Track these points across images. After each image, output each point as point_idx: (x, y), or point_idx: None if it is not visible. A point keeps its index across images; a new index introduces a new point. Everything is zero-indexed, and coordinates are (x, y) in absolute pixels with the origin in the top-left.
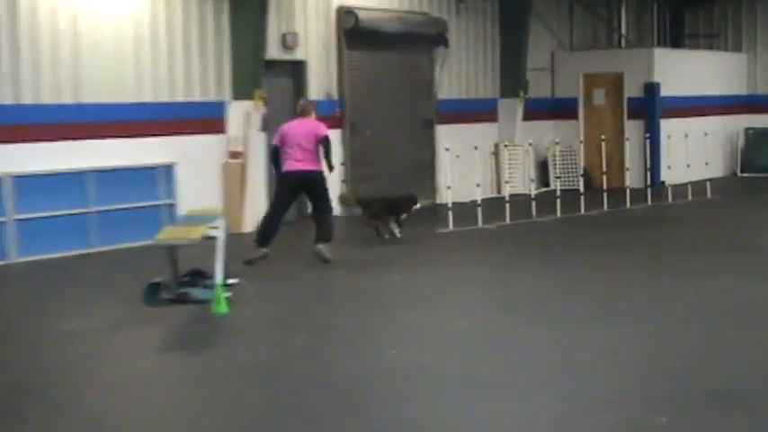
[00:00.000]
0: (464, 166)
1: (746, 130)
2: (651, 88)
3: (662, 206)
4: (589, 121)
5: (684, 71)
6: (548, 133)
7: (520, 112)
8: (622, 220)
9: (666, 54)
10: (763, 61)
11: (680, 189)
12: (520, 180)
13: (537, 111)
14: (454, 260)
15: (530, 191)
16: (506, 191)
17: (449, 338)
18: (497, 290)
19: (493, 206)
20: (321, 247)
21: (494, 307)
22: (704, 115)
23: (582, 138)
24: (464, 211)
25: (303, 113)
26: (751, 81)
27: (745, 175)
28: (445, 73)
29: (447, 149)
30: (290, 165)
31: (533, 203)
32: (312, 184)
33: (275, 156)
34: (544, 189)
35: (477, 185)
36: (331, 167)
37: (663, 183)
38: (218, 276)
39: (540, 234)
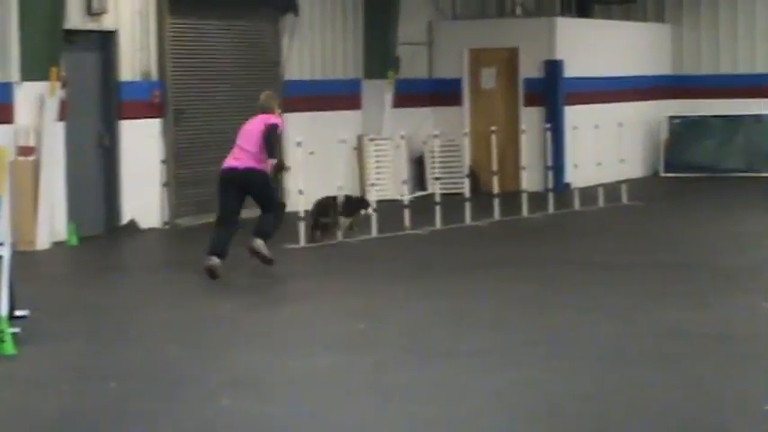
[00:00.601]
0: (320, 164)
1: (671, 119)
2: (553, 67)
3: (567, 214)
4: (476, 108)
5: (594, 46)
6: (425, 124)
7: (389, 98)
8: (517, 232)
9: (572, 25)
10: (691, 34)
11: (589, 193)
12: (390, 182)
13: (411, 95)
14: (306, 284)
15: (402, 195)
16: (373, 196)
17: (295, 383)
18: (361, 321)
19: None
20: (257, 242)
21: (356, 343)
22: (619, 101)
23: (467, 129)
24: None
25: (263, 110)
26: (676, 58)
27: (669, 174)
28: (295, 47)
29: (299, 144)
30: (225, 162)
31: (406, 211)
32: (250, 186)
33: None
34: (420, 193)
35: (338, 189)
36: (272, 158)
37: (568, 185)
38: (2, 308)
39: (416, 250)
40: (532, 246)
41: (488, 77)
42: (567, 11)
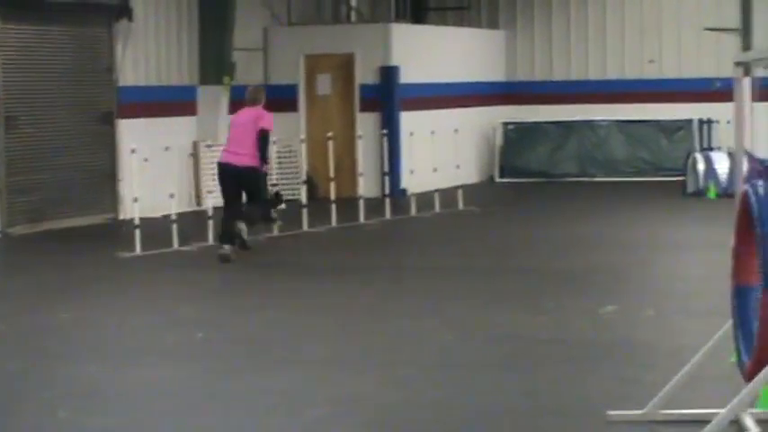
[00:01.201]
0: (155, 171)
1: (505, 125)
2: (388, 73)
3: (403, 220)
4: (312, 114)
5: (429, 52)
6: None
7: (225, 104)
8: (355, 239)
9: (407, 31)
10: (525, 40)
11: (425, 199)
12: None
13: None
14: (143, 292)
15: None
16: (209, 203)
17: (134, 394)
18: (201, 330)
19: (192, 222)
20: (240, 225)
21: (195, 352)
22: (455, 107)
23: (304, 135)
24: (155, 229)
25: (252, 102)
26: (510, 64)
27: (504, 180)
28: (129, 53)
29: (133, 151)
30: (223, 156)
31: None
32: (245, 181)
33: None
34: None
35: (172, 196)
36: (265, 162)
37: (404, 191)
38: None
39: (254, 256)
40: (370, 252)
41: (324, 83)
42: (401, 17)
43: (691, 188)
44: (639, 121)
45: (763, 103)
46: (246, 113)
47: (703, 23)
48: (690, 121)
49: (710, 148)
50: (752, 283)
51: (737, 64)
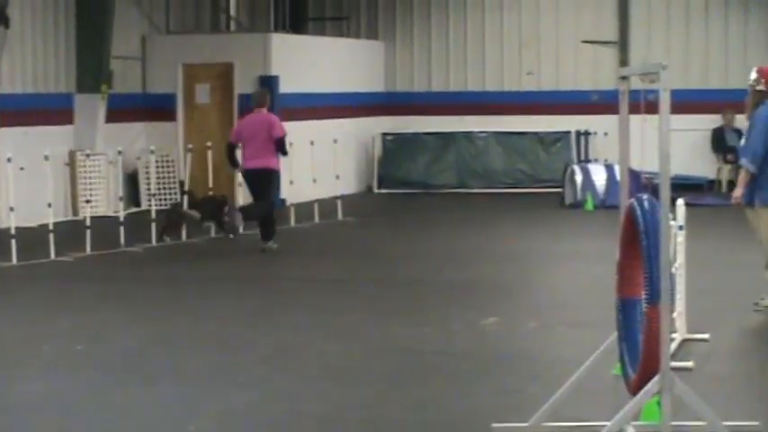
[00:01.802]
0: (31, 180)
1: (384, 135)
2: (268, 83)
3: (283, 231)
4: (191, 123)
5: (308, 62)
6: (139, 139)
7: (102, 112)
8: (237, 248)
9: (286, 41)
10: (404, 51)
11: (305, 209)
12: (104, 198)
13: (124, 110)
14: (19, 303)
15: (117, 212)
16: (87, 212)
17: (10, 407)
18: (80, 342)
19: (70, 232)
20: (238, 215)
21: (76, 364)
22: (334, 117)
23: (182, 145)
24: (32, 238)
25: (258, 105)
26: (389, 75)
27: (383, 191)
28: (6, 60)
29: (9, 160)
30: (246, 164)
31: (122, 228)
32: (264, 180)
33: (231, 152)
34: (135, 210)
35: (49, 206)
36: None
37: (284, 201)
38: None
39: (133, 267)
40: (250, 263)
41: (203, 93)
42: (281, 27)
43: (568, 200)
44: (518, 133)
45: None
46: (255, 119)
47: (581, 36)
48: (567, 133)
49: (588, 160)
50: (637, 296)
51: (622, 78)
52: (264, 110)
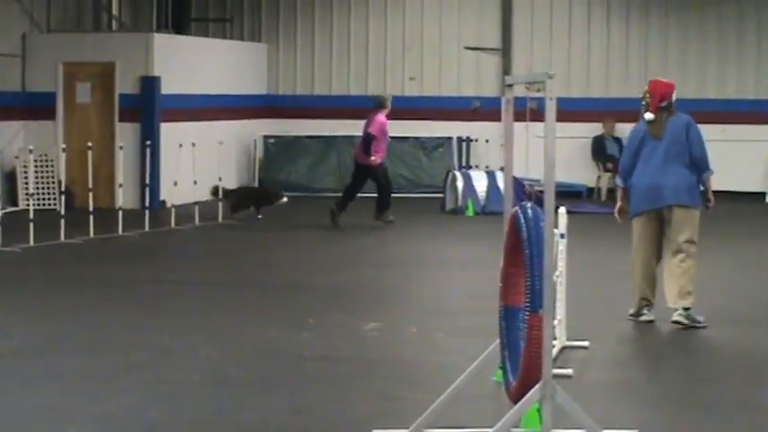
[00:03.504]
0: None
1: (266, 138)
2: (150, 84)
3: (163, 232)
4: (71, 123)
5: (192, 64)
6: (17, 138)
7: None
8: (114, 251)
9: (169, 41)
10: (288, 54)
11: (186, 211)
12: None
13: (3, 108)
14: None
15: None
16: None
17: None
18: None
19: None
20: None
21: None
22: (216, 119)
23: (62, 144)
24: None
25: (379, 106)
26: (272, 78)
27: None
28: None
29: None
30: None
31: None
32: (362, 173)
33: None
34: (12, 209)
35: None
36: (368, 156)
37: (163, 203)
38: None
39: (10, 268)
40: (130, 265)
41: (84, 92)
42: (163, 27)
43: (449, 205)
44: (399, 138)
45: (521, 123)
46: (368, 118)
47: (464, 43)
48: (449, 139)
49: (469, 167)
50: (519, 303)
51: (508, 86)
52: (379, 112)
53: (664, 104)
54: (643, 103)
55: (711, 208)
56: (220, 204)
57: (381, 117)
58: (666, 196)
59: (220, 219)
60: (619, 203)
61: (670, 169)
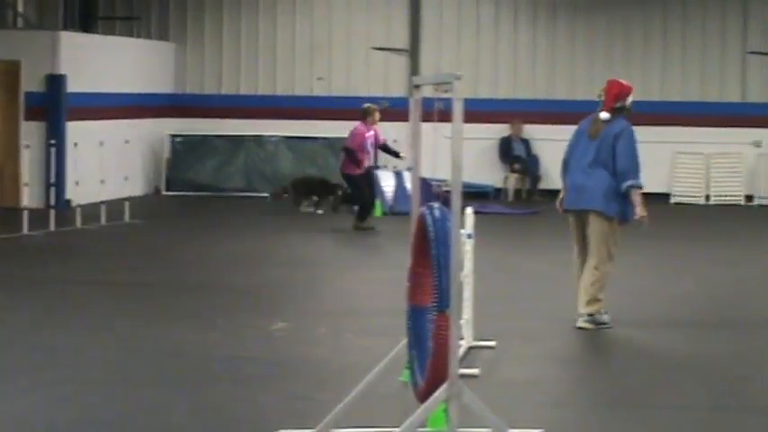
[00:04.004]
0: None
1: (173, 137)
2: (56, 82)
3: (69, 232)
4: None
5: (99, 62)
6: None
7: None
8: (18, 251)
9: (75, 39)
10: (195, 53)
11: (91, 210)
12: None
13: None
14: None
15: None
16: None
17: None
18: None
19: None
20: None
21: None
22: (123, 117)
23: None
24: None
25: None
26: (180, 77)
27: (171, 193)
28: None
29: None
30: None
31: None
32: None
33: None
34: None
35: None
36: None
37: (68, 202)
38: None
39: None
40: (34, 264)
41: None
42: (70, 25)
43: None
44: (308, 138)
45: (429, 123)
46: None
47: (372, 43)
48: None
49: (377, 167)
50: (427, 303)
51: (415, 87)
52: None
53: (618, 105)
54: (599, 101)
55: (640, 222)
56: (126, 204)
57: (362, 128)
58: (585, 199)
59: (127, 218)
60: (560, 195)
61: (595, 172)
